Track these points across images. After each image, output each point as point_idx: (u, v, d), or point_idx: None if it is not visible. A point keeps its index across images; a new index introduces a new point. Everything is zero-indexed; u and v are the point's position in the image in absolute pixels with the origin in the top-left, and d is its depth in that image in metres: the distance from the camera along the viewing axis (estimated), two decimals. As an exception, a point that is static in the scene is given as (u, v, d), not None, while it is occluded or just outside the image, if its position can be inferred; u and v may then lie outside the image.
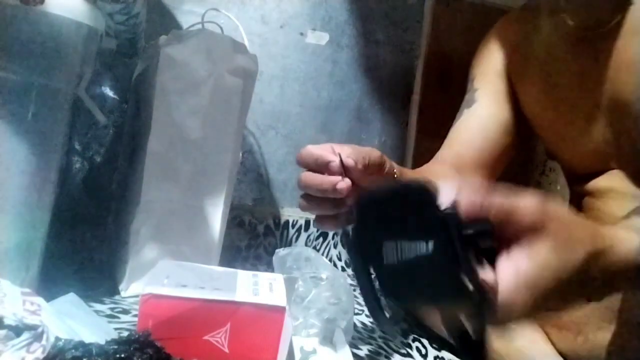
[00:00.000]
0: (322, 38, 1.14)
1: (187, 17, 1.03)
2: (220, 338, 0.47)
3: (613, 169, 0.73)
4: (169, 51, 0.72)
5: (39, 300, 0.41)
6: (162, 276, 0.49)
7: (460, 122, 0.84)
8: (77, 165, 0.88)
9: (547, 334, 0.69)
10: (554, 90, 0.75)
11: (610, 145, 0.71)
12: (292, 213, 1.14)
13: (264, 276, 0.56)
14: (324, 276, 0.67)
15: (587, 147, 0.74)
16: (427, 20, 1.24)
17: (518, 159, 0.93)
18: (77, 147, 0.84)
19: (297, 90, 1.12)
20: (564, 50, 0.73)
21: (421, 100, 1.24)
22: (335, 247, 1.17)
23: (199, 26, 0.89)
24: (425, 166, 0.86)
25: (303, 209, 0.58)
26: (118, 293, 0.76)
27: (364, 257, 0.40)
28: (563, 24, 0.72)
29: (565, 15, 0.72)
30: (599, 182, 0.73)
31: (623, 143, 0.69)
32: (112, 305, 0.70)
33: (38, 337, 0.37)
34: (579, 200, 0.78)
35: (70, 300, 0.57)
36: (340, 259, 1.17)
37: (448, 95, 1.23)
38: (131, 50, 0.83)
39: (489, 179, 0.84)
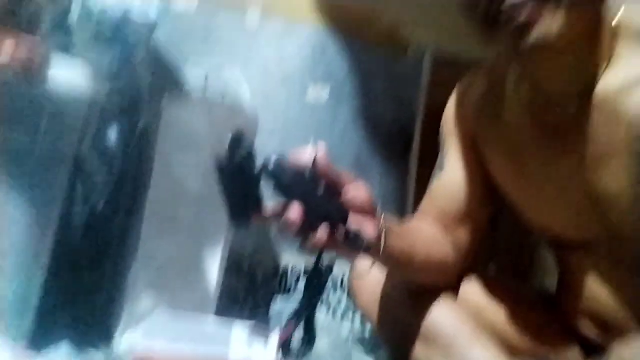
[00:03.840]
0: (322, 93, 1.20)
1: (194, 69, 1.10)
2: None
3: (590, 240, 0.72)
4: (171, 113, 0.77)
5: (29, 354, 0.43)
6: (156, 329, 0.51)
7: (435, 184, 0.83)
8: (78, 215, 0.92)
9: None
10: (520, 161, 0.74)
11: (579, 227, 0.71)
12: (292, 259, 1.16)
13: (259, 328, 0.58)
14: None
15: (561, 224, 0.74)
16: (426, 78, 1.29)
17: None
18: (79, 197, 0.89)
19: (298, 144, 1.16)
20: (530, 124, 0.71)
21: (420, 152, 1.27)
22: (335, 291, 1.17)
23: (204, 84, 0.95)
24: (411, 223, 0.85)
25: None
26: (113, 340, 0.78)
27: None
28: (527, 93, 0.71)
29: (528, 86, 0.71)
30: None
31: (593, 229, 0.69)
32: (107, 353, 0.73)
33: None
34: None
35: (64, 352, 0.59)
36: (340, 303, 1.18)
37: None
38: (134, 107, 0.89)
39: (477, 232, 0.82)
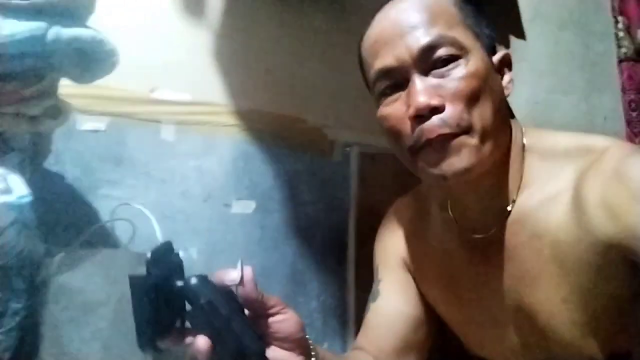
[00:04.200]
0: (248, 206, 1.13)
1: (103, 201, 1.00)
2: None
3: None
4: (60, 280, 0.67)
5: None
6: None
7: (369, 316, 0.80)
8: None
9: None
10: (455, 289, 0.74)
11: (520, 352, 0.69)
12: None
13: None
14: None
15: (501, 350, 0.72)
16: (354, 176, 1.26)
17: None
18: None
19: (224, 263, 1.08)
20: (457, 247, 0.72)
21: (356, 256, 1.22)
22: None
23: (109, 224, 0.86)
24: (347, 354, 0.82)
25: None
26: None
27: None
28: (452, 222, 0.72)
29: (451, 216, 0.72)
30: None
31: (533, 351, 0.68)
32: None
33: None
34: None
35: None
36: None
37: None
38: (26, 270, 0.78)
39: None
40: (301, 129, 1.20)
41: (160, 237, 0.83)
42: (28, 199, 0.56)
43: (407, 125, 0.61)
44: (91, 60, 0.70)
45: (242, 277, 0.51)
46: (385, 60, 0.61)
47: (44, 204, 0.92)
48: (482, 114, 0.60)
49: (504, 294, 0.68)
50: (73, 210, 0.96)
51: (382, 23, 0.63)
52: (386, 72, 0.62)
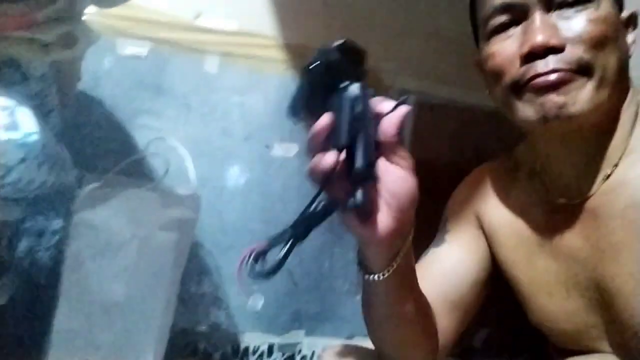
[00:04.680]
0: (289, 150, 1.07)
1: (141, 131, 0.97)
2: None
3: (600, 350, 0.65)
4: (84, 216, 0.65)
5: None
6: None
7: (427, 259, 0.76)
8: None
9: None
10: (530, 255, 0.69)
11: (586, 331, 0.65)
12: (254, 339, 1.04)
13: None
14: None
15: (566, 327, 0.68)
16: (410, 126, 1.16)
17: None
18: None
19: (261, 206, 1.04)
20: (541, 213, 0.68)
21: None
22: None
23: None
24: None
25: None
26: None
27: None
28: (539, 188, 0.69)
29: (540, 181, 0.69)
30: None
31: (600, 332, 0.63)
32: None
33: None
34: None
35: None
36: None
37: (434, 201, 1.14)
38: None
39: (461, 320, 0.75)
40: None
41: (193, 178, 0.79)
42: (35, 137, 0.52)
43: (515, 63, 0.57)
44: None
45: (393, 110, 0.49)
46: None
47: (79, 130, 0.90)
48: (606, 61, 0.56)
49: (582, 266, 0.63)
50: (110, 138, 0.94)
51: None
52: (505, 7, 0.58)
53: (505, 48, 0.59)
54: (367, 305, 0.60)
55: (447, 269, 0.74)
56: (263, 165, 1.04)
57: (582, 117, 0.56)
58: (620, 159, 0.61)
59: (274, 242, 0.50)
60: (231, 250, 1.03)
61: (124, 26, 0.93)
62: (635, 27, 0.63)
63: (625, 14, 0.62)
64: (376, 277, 0.54)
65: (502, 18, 0.59)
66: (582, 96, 0.56)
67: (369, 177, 0.48)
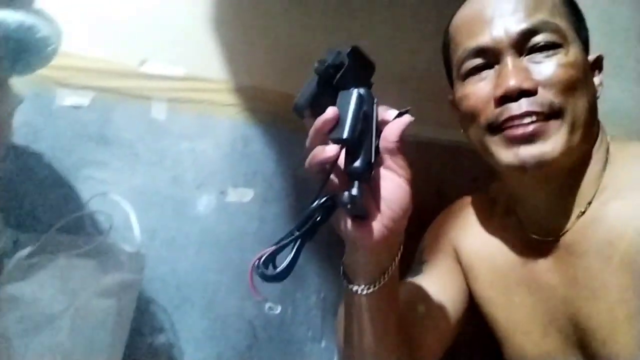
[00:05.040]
0: (245, 195, 1.03)
1: (85, 185, 0.91)
2: None
3: None
4: (11, 289, 0.59)
5: None
6: None
7: (402, 292, 0.74)
8: None
9: None
10: (506, 292, 0.70)
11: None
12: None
13: None
14: None
15: (542, 348, 0.67)
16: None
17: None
18: None
19: (217, 256, 1.00)
20: (516, 249, 0.69)
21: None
22: None
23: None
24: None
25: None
26: None
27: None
28: (515, 224, 0.69)
29: (516, 218, 0.69)
30: None
31: None
32: None
33: None
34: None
35: None
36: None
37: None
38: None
39: (440, 348, 0.74)
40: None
41: (138, 235, 0.75)
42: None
43: (490, 105, 0.59)
44: (21, 50, 0.59)
45: (395, 118, 0.51)
46: (480, 39, 0.60)
47: (14, 188, 0.84)
48: (575, 105, 0.58)
49: (559, 303, 0.64)
50: (50, 194, 0.88)
51: (481, 2, 0.62)
52: (478, 51, 0.60)
53: (480, 90, 0.61)
54: (347, 316, 0.60)
55: (419, 297, 0.73)
56: (217, 213, 1.00)
57: (558, 161, 0.57)
58: (593, 196, 0.62)
59: (281, 245, 0.51)
60: (186, 304, 0.98)
61: (64, 76, 0.89)
62: (601, 69, 0.65)
63: (591, 57, 0.64)
64: (362, 290, 0.55)
65: (476, 61, 0.61)
66: (558, 141, 0.57)
67: (366, 176, 0.49)
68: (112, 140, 0.95)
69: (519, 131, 0.57)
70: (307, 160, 0.52)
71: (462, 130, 0.67)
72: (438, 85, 1.29)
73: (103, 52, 0.92)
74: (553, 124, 0.57)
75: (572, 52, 0.59)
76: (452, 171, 1.22)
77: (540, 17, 0.59)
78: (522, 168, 0.58)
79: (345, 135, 0.48)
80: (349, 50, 0.51)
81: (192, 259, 0.98)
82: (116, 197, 0.79)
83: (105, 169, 0.94)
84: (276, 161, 1.05)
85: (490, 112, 0.59)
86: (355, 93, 0.49)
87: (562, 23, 0.60)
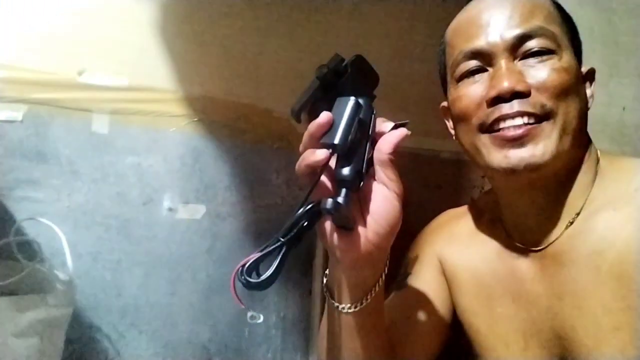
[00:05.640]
0: (196, 211, 0.97)
1: (20, 206, 0.85)
2: None
3: None
4: None
5: None
6: None
7: (387, 302, 0.73)
8: None
9: None
10: (489, 303, 0.69)
11: None
12: None
13: None
14: None
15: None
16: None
17: None
18: None
19: (167, 277, 0.94)
20: (501, 262, 0.68)
21: (325, 265, 1.08)
22: None
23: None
24: None
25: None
26: None
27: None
28: (501, 235, 0.69)
29: (502, 228, 0.69)
30: None
31: None
32: None
33: None
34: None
35: None
36: None
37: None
38: None
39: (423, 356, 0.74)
40: (264, 120, 1.03)
41: (70, 262, 0.69)
42: None
43: (482, 106, 0.60)
44: None
45: (392, 129, 0.50)
46: (475, 42, 0.61)
47: None
48: (567, 109, 0.58)
49: (543, 314, 0.63)
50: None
51: (478, 6, 0.63)
52: (473, 54, 0.61)
53: (473, 92, 0.61)
54: (330, 333, 0.60)
55: (407, 311, 0.72)
56: (166, 231, 0.94)
57: (549, 165, 0.58)
58: (582, 207, 0.62)
59: (266, 252, 0.49)
60: (133, 330, 0.92)
61: (-7, 88, 0.82)
62: (592, 82, 0.66)
63: (584, 69, 0.65)
64: (346, 308, 0.54)
65: (471, 63, 0.62)
66: (548, 145, 0.57)
67: (355, 184, 0.48)
68: (49, 156, 0.88)
69: (510, 133, 0.58)
70: (298, 163, 0.50)
71: (454, 137, 0.68)
72: (397, 92, 1.26)
73: (36, 62, 0.86)
74: (544, 126, 0.58)
75: (566, 59, 0.60)
76: (416, 180, 1.18)
77: (535, 23, 0.60)
78: (511, 170, 0.58)
79: (336, 140, 0.47)
80: (352, 58, 0.51)
81: (139, 282, 0.92)
82: (46, 221, 0.73)
83: (41, 188, 0.87)
84: (230, 175, 1.00)
85: (482, 113, 0.60)
86: (351, 100, 0.49)
87: (557, 30, 0.61)
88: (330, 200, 0.46)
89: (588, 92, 0.65)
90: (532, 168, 0.57)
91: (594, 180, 0.63)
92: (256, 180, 1.03)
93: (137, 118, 0.93)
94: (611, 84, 1.39)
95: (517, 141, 0.57)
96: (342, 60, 0.51)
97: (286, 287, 1.05)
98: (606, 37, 1.37)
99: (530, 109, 0.57)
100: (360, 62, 0.51)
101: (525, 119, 0.57)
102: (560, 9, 0.65)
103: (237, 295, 0.48)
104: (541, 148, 0.57)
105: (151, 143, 0.94)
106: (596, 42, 1.38)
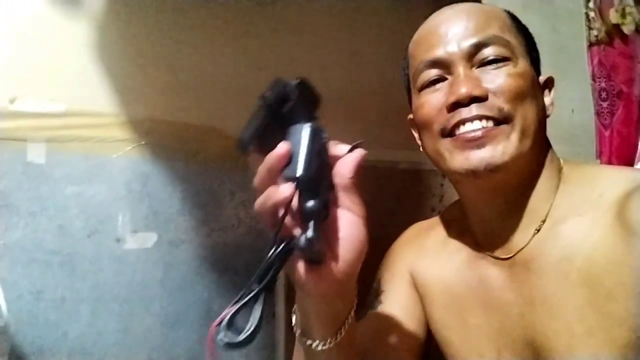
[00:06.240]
0: (146, 240, 0.92)
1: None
2: None
3: None
4: None
5: None
6: None
7: (363, 322, 0.73)
8: None
9: None
10: (461, 313, 0.69)
11: None
12: None
13: None
14: None
15: None
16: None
17: None
18: None
19: (117, 312, 0.88)
20: (471, 271, 0.69)
21: (287, 288, 1.05)
22: None
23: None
24: None
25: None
26: None
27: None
28: (470, 243, 0.70)
29: (470, 237, 0.69)
30: None
31: None
32: None
33: None
34: None
35: None
36: None
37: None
38: None
39: None
40: (215, 140, 0.99)
41: (4, 307, 0.63)
42: None
43: (443, 112, 0.61)
44: None
45: (347, 153, 0.48)
46: (435, 51, 0.63)
47: None
48: (525, 112, 0.60)
49: (514, 322, 0.63)
50: None
51: (437, 18, 0.66)
52: (433, 63, 0.64)
53: (434, 99, 0.63)
54: None
55: (384, 329, 0.72)
56: (114, 263, 0.89)
57: (508, 165, 0.59)
58: (547, 214, 0.63)
59: (241, 303, 0.45)
60: (82, 372, 0.86)
61: None
62: (551, 90, 0.68)
63: (542, 78, 0.67)
64: (318, 345, 0.53)
65: (432, 72, 0.64)
66: (507, 146, 0.59)
67: (323, 215, 0.46)
68: (-19, 191, 0.82)
69: (470, 135, 0.59)
70: (259, 203, 0.47)
71: (420, 147, 0.70)
72: (353, 104, 1.26)
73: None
74: (503, 129, 0.59)
75: (521, 65, 0.63)
76: (375, 192, 1.17)
77: (490, 32, 0.63)
78: (472, 172, 0.59)
79: (299, 172, 0.45)
80: (297, 82, 0.48)
81: (86, 320, 0.86)
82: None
83: (-28, 226, 0.81)
84: (181, 199, 0.95)
85: (443, 118, 0.62)
86: (308, 128, 0.47)
87: (512, 39, 0.63)
88: (303, 237, 0.44)
89: (547, 100, 0.67)
90: (492, 168, 0.59)
91: (557, 187, 0.65)
92: (210, 202, 0.99)
93: (76, 145, 0.88)
94: (559, 88, 1.43)
95: (477, 142, 0.59)
96: (286, 84, 0.49)
97: (248, 313, 1.01)
98: (552, 43, 1.41)
99: (488, 113, 0.59)
100: (304, 86, 0.49)
101: (484, 122, 0.59)
102: (516, 20, 0.67)
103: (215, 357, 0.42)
104: (501, 149, 0.59)
105: (93, 170, 0.89)
106: (543, 48, 1.41)
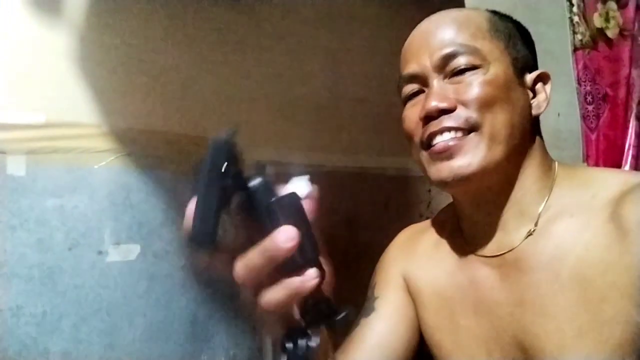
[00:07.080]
0: (129, 252, 0.91)
1: None
2: None
3: None
4: None
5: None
6: None
7: (358, 330, 0.75)
8: None
9: None
10: (451, 315, 0.70)
11: None
12: None
13: None
14: None
15: None
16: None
17: None
18: None
19: (100, 328, 0.86)
20: (463, 273, 0.70)
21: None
22: None
23: None
24: None
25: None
26: None
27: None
28: (462, 245, 0.70)
29: (462, 239, 0.70)
30: None
31: None
32: None
33: None
34: None
35: None
36: None
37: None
38: None
39: None
40: (200, 151, 0.98)
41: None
42: None
43: (420, 125, 0.64)
44: None
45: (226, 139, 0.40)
46: (410, 67, 0.66)
47: None
48: (494, 120, 0.61)
49: (505, 323, 0.63)
50: None
51: (414, 34, 0.68)
52: (410, 78, 0.66)
53: (413, 113, 0.66)
54: None
55: (380, 338, 0.73)
56: (97, 276, 0.87)
57: (477, 175, 0.60)
58: (540, 214, 0.63)
59: None
60: (64, 389, 0.84)
61: None
62: (546, 84, 0.68)
63: (532, 75, 0.67)
64: None
65: (411, 87, 0.66)
66: (475, 157, 0.60)
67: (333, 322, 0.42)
68: (-42, 205, 0.80)
69: (439, 147, 0.61)
70: (278, 299, 0.40)
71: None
72: (338, 113, 1.25)
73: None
74: (471, 138, 0.60)
75: (492, 71, 0.63)
76: (362, 199, 1.16)
77: (459, 41, 0.64)
78: (444, 183, 0.62)
79: (311, 254, 0.39)
80: (230, 133, 0.40)
81: (68, 336, 0.84)
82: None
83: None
84: (164, 210, 0.94)
85: (420, 131, 0.64)
86: (294, 197, 0.40)
87: (484, 44, 0.64)
88: (304, 343, 0.40)
89: (540, 97, 0.67)
90: (460, 179, 0.60)
91: (550, 188, 0.65)
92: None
93: (57, 156, 0.86)
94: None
95: (446, 154, 0.61)
96: (223, 142, 0.40)
97: (234, 324, 0.99)
98: (537, 48, 1.42)
99: (454, 124, 0.61)
100: (231, 145, 0.40)
101: (452, 134, 0.61)
102: (493, 22, 0.67)
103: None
104: (468, 159, 0.60)
105: (74, 182, 0.87)
106: (528, 52, 1.42)
